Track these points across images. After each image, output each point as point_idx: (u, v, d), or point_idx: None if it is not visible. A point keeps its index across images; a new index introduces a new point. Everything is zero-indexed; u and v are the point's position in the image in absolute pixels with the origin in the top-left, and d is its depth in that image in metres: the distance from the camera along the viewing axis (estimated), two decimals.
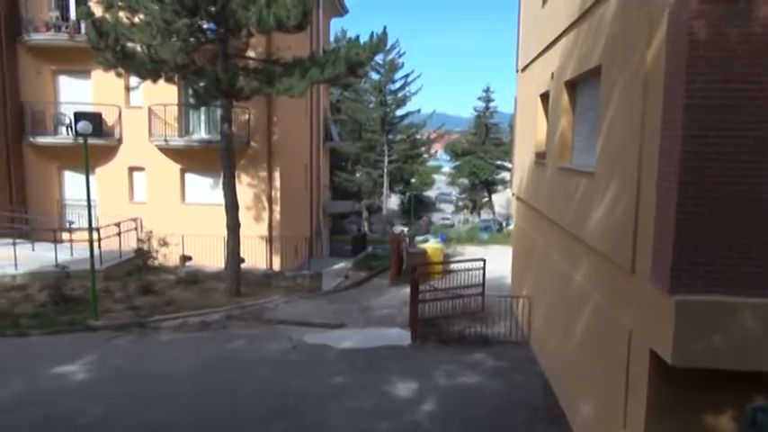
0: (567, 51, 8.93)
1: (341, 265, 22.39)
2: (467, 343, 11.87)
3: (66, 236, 18.16)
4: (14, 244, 16.52)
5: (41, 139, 19.90)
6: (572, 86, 9.00)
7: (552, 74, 9.88)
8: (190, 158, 19.82)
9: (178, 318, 13.72)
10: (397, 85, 52.51)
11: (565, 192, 8.70)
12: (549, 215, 10.01)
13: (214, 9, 14.52)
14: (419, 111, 54.64)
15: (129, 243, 18.25)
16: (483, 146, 59.33)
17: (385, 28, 16.17)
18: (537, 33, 11.91)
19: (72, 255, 16.77)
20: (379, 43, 16.48)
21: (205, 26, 15.56)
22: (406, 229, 29.87)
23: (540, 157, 11.17)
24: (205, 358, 11.19)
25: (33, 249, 17.37)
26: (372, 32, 16.00)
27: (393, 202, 57.32)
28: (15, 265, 16.01)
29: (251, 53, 17.36)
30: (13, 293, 14.86)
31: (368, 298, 16.55)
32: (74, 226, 18.66)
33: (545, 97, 10.94)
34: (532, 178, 12.12)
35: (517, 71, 15.10)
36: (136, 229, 19.09)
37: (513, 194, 15.85)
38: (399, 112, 53.42)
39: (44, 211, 19.94)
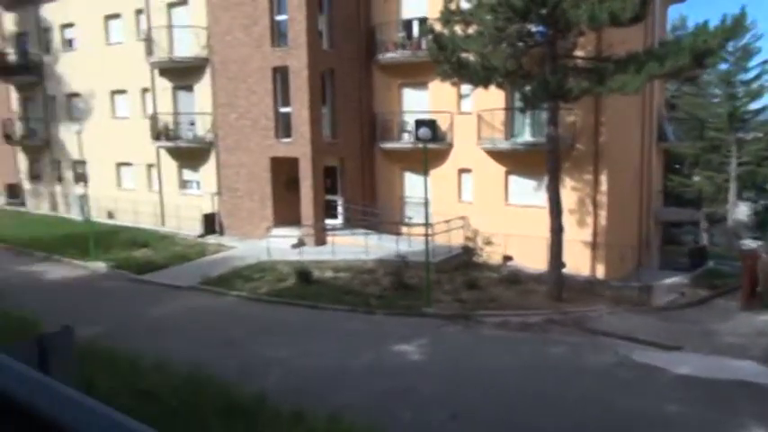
0: None
1: (674, 279, 20.05)
2: None
3: (404, 229, 20.49)
4: (366, 234, 19.43)
5: (388, 145, 22.80)
6: None
7: None
8: (514, 161, 20.25)
9: (500, 315, 14.12)
10: (751, 74, 44.84)
11: None
12: None
13: (545, 11, 14.48)
14: None
15: (457, 240, 19.62)
16: None
17: (743, 8, 13.89)
18: None
19: (410, 246, 18.86)
20: (734, 27, 14.27)
21: (533, 30, 15.69)
22: (761, 245, 25.16)
23: None
24: (525, 360, 11.27)
25: (380, 239, 20.06)
26: (724, 15, 13.91)
27: (742, 211, 49.04)
28: (366, 251, 18.75)
29: (579, 52, 16.82)
30: (364, 276, 17.40)
31: (710, 320, 14.39)
32: (411, 221, 20.92)
33: None
34: None
35: None
36: (462, 227, 20.40)
37: None
38: (753, 106, 45.58)
39: (389, 207, 22.85)
